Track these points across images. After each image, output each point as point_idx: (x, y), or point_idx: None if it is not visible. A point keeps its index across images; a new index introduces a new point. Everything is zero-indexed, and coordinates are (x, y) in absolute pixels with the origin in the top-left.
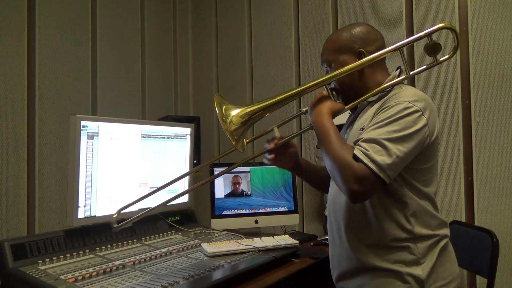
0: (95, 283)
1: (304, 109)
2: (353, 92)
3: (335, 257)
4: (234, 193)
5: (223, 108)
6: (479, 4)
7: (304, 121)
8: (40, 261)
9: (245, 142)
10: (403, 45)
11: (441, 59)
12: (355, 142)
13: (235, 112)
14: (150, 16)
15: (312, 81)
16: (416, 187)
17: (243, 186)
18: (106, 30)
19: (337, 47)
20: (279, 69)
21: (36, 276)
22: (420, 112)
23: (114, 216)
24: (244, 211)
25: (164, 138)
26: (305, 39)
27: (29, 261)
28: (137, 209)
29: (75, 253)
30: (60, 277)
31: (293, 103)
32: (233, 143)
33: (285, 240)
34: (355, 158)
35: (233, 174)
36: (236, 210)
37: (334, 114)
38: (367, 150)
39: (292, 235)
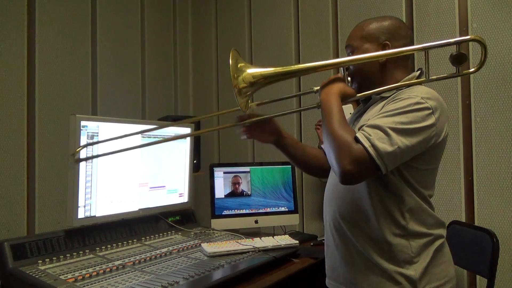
0: (95, 283)
1: (315, 88)
2: (369, 82)
3: (329, 247)
4: (234, 193)
5: (239, 64)
6: (479, 4)
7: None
8: (40, 261)
9: (249, 103)
10: (430, 47)
11: (464, 71)
12: (360, 128)
13: (250, 70)
14: (150, 16)
15: (332, 60)
16: (414, 187)
17: (243, 186)
18: (106, 30)
19: (364, 34)
20: None
21: (36, 276)
22: (431, 110)
23: (78, 150)
24: (244, 211)
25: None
26: (305, 39)
27: (29, 261)
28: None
29: (75, 253)
30: (60, 277)
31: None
32: (238, 99)
33: (285, 240)
34: (356, 140)
35: (233, 174)
36: (236, 210)
37: (344, 97)
38: (370, 135)
39: (292, 235)
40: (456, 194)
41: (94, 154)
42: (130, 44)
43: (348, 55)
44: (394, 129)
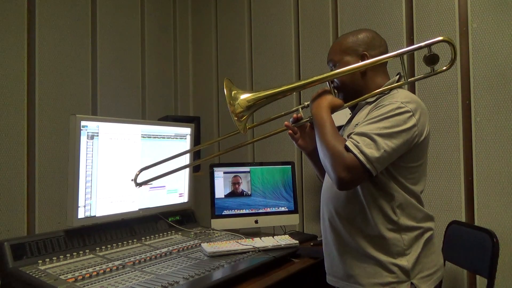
0: (95, 283)
1: (306, 103)
2: (354, 91)
3: (327, 245)
4: (234, 193)
5: (232, 92)
6: (479, 4)
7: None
8: (40, 261)
9: (247, 126)
10: (404, 53)
11: (438, 70)
12: (348, 135)
13: (243, 96)
14: (150, 16)
15: (317, 76)
16: (403, 184)
17: (243, 186)
18: (106, 30)
19: (343, 48)
20: (279, 69)
21: (36, 276)
22: (411, 113)
23: (136, 173)
24: (244, 211)
25: (164, 138)
26: (305, 39)
27: (29, 261)
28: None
29: (75, 253)
30: (60, 277)
31: (294, 100)
32: (237, 124)
33: (285, 240)
34: (346, 148)
35: (233, 174)
36: (236, 210)
37: (333, 109)
38: (358, 143)
39: (292, 235)
40: (456, 194)
41: (94, 151)
42: (130, 44)
43: (331, 69)
44: (379, 135)
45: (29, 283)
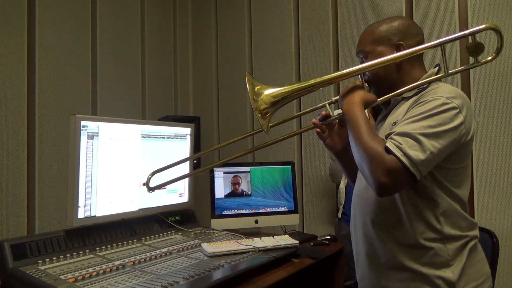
0: (95, 283)
1: (333, 99)
2: (388, 85)
3: (359, 255)
4: (234, 193)
5: (256, 87)
6: (479, 4)
7: (304, 121)
8: (40, 261)
9: (269, 125)
10: (445, 42)
11: (482, 61)
12: (387, 136)
13: (268, 91)
14: (150, 16)
15: (348, 69)
16: (447, 188)
17: (243, 186)
18: (106, 30)
19: (376, 37)
20: (279, 69)
21: (36, 276)
22: (458, 110)
23: (148, 177)
24: (244, 211)
25: (164, 138)
26: (305, 39)
27: (29, 261)
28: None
29: (75, 253)
30: (60, 277)
31: (293, 102)
32: (261, 122)
33: (285, 240)
34: (387, 150)
35: (233, 174)
36: (236, 210)
37: (366, 105)
38: (401, 144)
39: (292, 235)
40: None
41: (94, 151)
42: (130, 44)
43: (361, 62)
44: (424, 134)
45: (29, 283)
